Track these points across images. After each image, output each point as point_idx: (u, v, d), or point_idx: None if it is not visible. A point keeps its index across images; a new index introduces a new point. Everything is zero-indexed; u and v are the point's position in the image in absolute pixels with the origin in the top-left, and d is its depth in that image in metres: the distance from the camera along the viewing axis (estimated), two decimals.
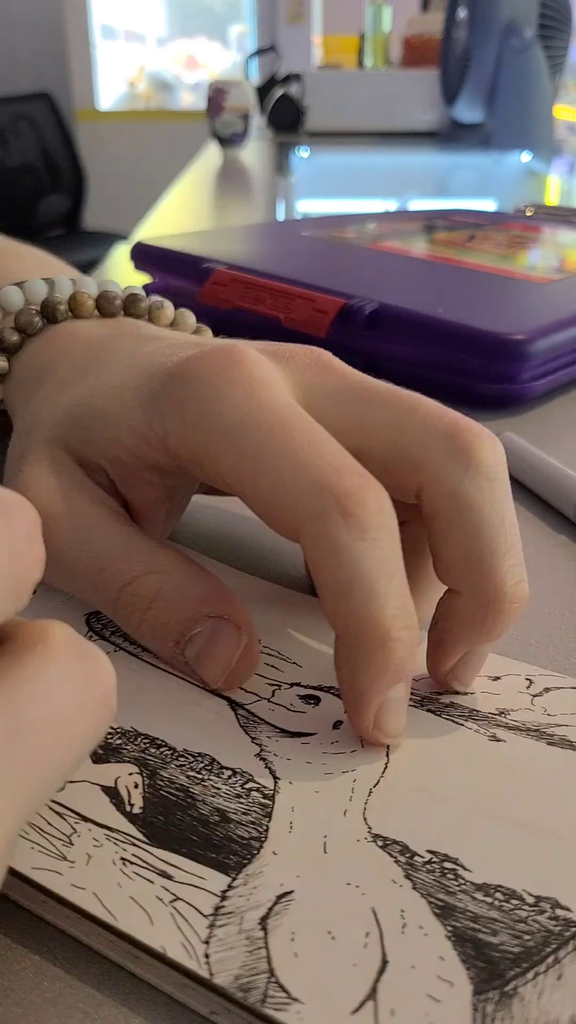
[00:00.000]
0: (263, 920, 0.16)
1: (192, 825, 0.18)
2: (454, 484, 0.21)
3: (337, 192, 1.45)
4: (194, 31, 3.96)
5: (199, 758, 0.20)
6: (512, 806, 0.19)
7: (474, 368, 0.43)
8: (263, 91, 2.23)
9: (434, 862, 0.17)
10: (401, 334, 0.45)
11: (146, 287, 0.58)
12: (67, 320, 0.30)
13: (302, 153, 1.80)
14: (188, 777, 0.19)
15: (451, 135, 1.96)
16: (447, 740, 0.21)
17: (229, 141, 1.70)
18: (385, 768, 0.20)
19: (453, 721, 0.21)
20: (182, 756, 0.20)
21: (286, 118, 2.06)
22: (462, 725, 0.21)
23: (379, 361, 0.47)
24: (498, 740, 0.21)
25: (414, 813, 0.18)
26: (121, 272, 0.72)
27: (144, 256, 0.58)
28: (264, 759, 0.20)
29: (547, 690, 0.22)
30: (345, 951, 0.16)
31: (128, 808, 0.18)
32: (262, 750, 0.20)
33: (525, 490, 0.35)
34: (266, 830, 0.18)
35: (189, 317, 0.32)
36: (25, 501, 0.14)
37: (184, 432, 0.22)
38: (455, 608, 0.22)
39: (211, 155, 1.72)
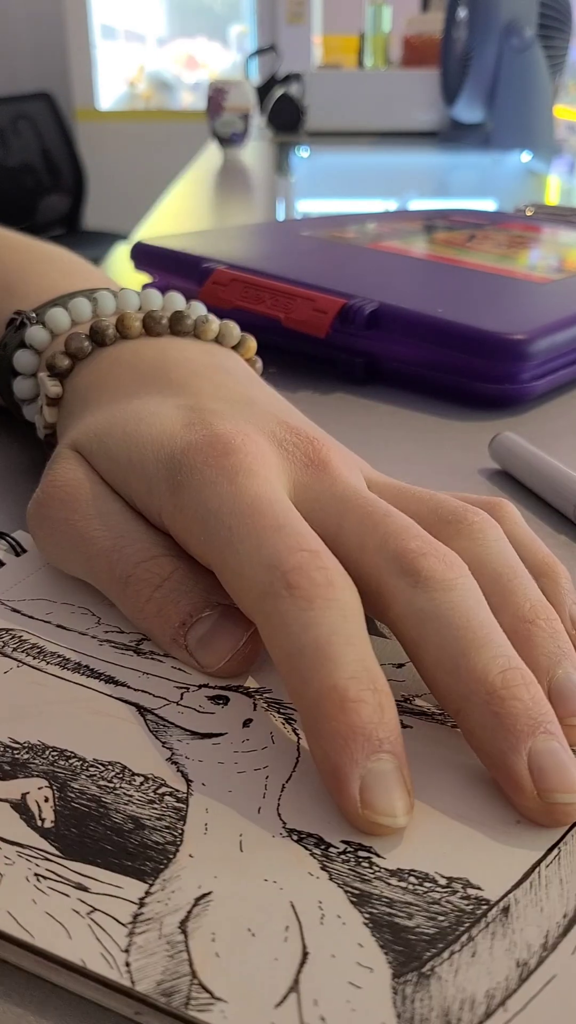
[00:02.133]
0: (182, 923, 0.16)
1: (106, 835, 0.18)
2: (407, 601, 0.21)
3: (337, 192, 1.45)
4: (194, 31, 3.96)
5: (110, 767, 0.20)
6: (421, 792, 0.19)
7: (474, 368, 0.43)
8: (263, 91, 2.23)
9: (348, 852, 0.17)
10: (401, 334, 0.45)
11: (145, 287, 0.58)
12: (115, 344, 0.31)
13: (302, 153, 1.80)
14: (99, 787, 0.19)
15: (451, 135, 1.96)
16: None
17: (229, 141, 1.70)
18: (296, 762, 0.20)
19: None
20: (92, 766, 0.20)
21: (286, 118, 2.06)
22: None
23: (379, 361, 0.47)
24: (404, 727, 0.20)
25: (326, 805, 0.19)
26: (121, 272, 0.72)
27: (144, 256, 0.58)
28: (176, 762, 0.20)
29: None
30: (266, 946, 0.16)
31: (39, 823, 0.18)
32: (173, 754, 0.20)
33: (525, 490, 0.35)
34: (181, 834, 0.18)
35: (233, 329, 0.32)
36: None
37: (175, 515, 0.24)
38: (472, 732, 0.19)
39: (211, 155, 1.72)
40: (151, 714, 0.21)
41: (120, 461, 0.25)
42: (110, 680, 0.22)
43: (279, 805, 0.19)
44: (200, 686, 0.22)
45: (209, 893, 0.17)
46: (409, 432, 0.41)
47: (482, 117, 1.84)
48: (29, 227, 0.42)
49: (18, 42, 3.58)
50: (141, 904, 0.16)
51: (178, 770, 0.20)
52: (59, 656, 0.23)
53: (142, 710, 0.21)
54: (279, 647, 0.20)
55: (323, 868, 0.17)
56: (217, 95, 1.66)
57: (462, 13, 1.77)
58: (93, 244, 2.90)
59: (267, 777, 0.19)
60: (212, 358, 0.31)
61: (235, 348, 0.33)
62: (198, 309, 0.33)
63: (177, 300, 0.33)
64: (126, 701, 0.22)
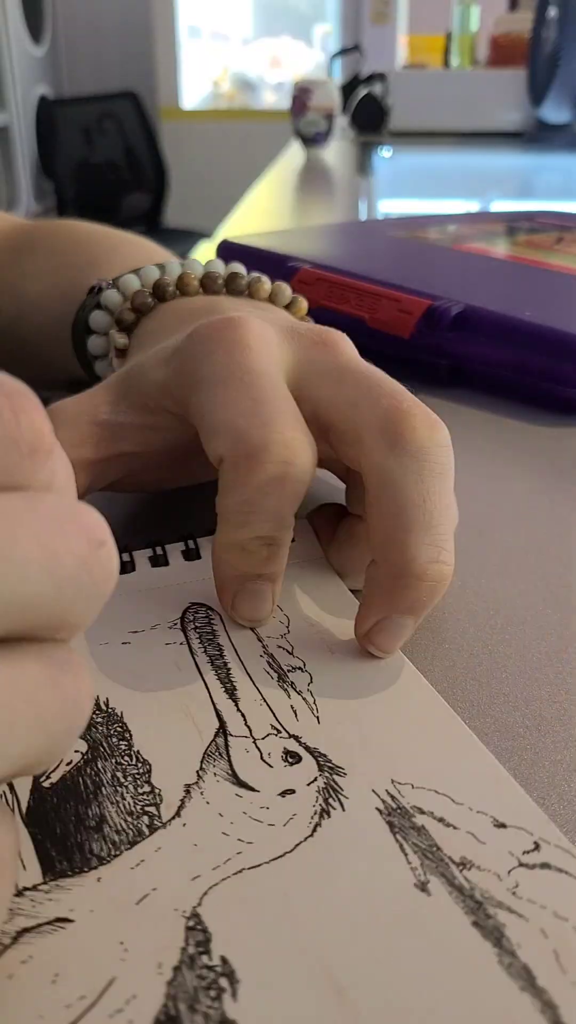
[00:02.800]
0: (21, 932, 0.16)
1: (67, 816, 0.18)
2: (380, 459, 0.23)
3: (419, 193, 1.44)
4: (279, 31, 3.97)
5: (140, 764, 0.20)
6: (343, 966, 0.15)
7: (562, 373, 0.42)
8: (346, 91, 2.22)
9: (214, 971, 0.15)
10: (487, 336, 0.45)
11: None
12: (175, 299, 0.34)
13: (384, 153, 1.80)
14: (112, 776, 0.19)
15: (537, 136, 1.93)
16: (370, 861, 0.17)
17: (312, 140, 1.70)
18: (278, 858, 0.17)
19: (400, 845, 0.18)
20: (128, 755, 0.20)
21: (369, 118, 2.05)
22: (405, 855, 0.18)
23: (464, 363, 0.46)
24: (423, 890, 0.17)
25: (249, 916, 0.16)
26: None
27: (229, 254, 0.58)
28: (188, 792, 0.19)
29: (545, 866, 0.17)
30: (47, 1000, 0.15)
31: (42, 777, 0.19)
32: (197, 783, 0.19)
33: None
34: (115, 857, 0.17)
35: (285, 289, 0.35)
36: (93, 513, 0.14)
37: (178, 381, 0.26)
38: (372, 575, 0.24)
39: (294, 154, 1.73)
40: (223, 737, 0.21)
41: (147, 364, 0.27)
42: (231, 692, 0.22)
43: (215, 886, 0.17)
44: (291, 736, 0.21)
45: (71, 921, 0.16)
46: (494, 436, 0.41)
47: (570, 118, 1.80)
48: (111, 224, 0.45)
49: (107, 43, 3.63)
50: (20, 892, 0.16)
51: (181, 800, 0.19)
52: (218, 649, 0.24)
53: (222, 731, 0.21)
54: (224, 498, 0.24)
55: (176, 968, 0.15)
56: (302, 95, 1.67)
57: (552, 12, 1.74)
58: (173, 241, 2.93)
59: (238, 853, 0.18)
60: (259, 309, 0.33)
61: (287, 308, 0.35)
62: (254, 274, 0.35)
63: (236, 267, 0.36)
64: (220, 717, 0.21)
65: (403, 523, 0.23)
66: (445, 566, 0.23)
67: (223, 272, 0.34)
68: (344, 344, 0.27)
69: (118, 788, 0.19)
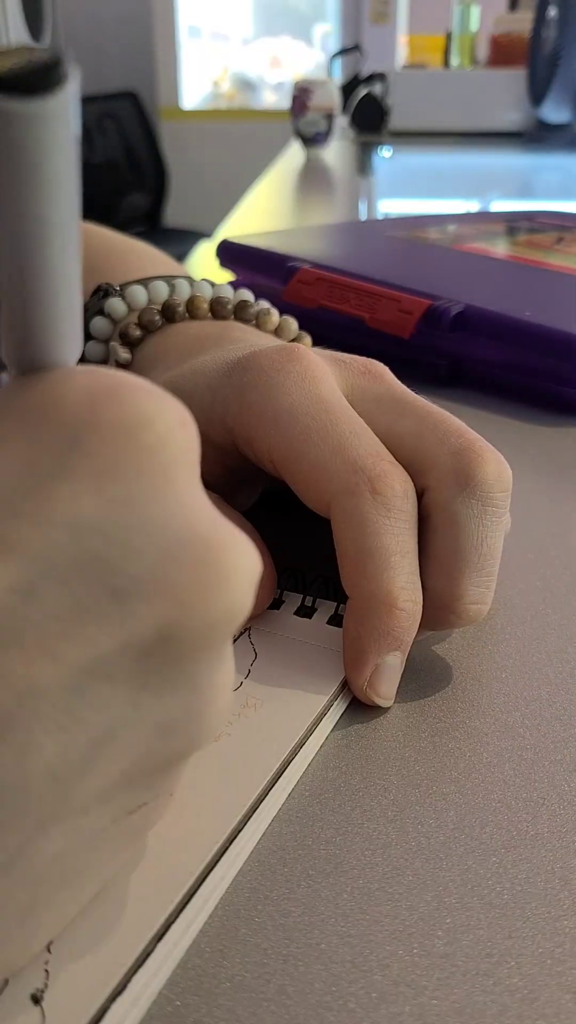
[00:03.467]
0: None
1: None
2: (448, 498, 0.24)
3: (419, 192, 1.44)
4: (279, 31, 3.97)
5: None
6: None
7: (562, 373, 0.42)
8: (347, 90, 2.22)
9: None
10: (488, 336, 0.45)
11: (230, 284, 0.58)
12: (183, 321, 0.33)
13: (384, 153, 1.79)
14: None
15: (537, 136, 1.93)
16: None
17: (312, 140, 1.70)
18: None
19: None
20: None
21: (369, 118, 2.05)
22: None
23: (464, 363, 0.46)
24: None
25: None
26: (205, 270, 0.73)
27: (229, 254, 0.58)
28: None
29: None
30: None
31: None
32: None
33: None
34: None
35: (292, 324, 0.35)
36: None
37: (241, 413, 0.25)
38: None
39: (294, 154, 1.73)
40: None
41: (185, 389, 0.27)
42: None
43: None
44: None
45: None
46: (494, 436, 0.40)
47: (570, 118, 1.80)
48: (111, 224, 0.45)
49: (106, 42, 3.63)
50: None
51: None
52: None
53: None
54: (351, 543, 0.23)
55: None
56: (302, 94, 1.67)
57: (552, 12, 1.74)
58: (173, 241, 2.93)
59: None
60: (270, 340, 0.33)
61: (292, 342, 0.35)
62: (263, 303, 0.35)
63: (245, 294, 0.36)
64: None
65: (459, 563, 0.23)
66: (485, 607, 0.24)
67: (232, 298, 0.35)
68: (390, 374, 0.27)
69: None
